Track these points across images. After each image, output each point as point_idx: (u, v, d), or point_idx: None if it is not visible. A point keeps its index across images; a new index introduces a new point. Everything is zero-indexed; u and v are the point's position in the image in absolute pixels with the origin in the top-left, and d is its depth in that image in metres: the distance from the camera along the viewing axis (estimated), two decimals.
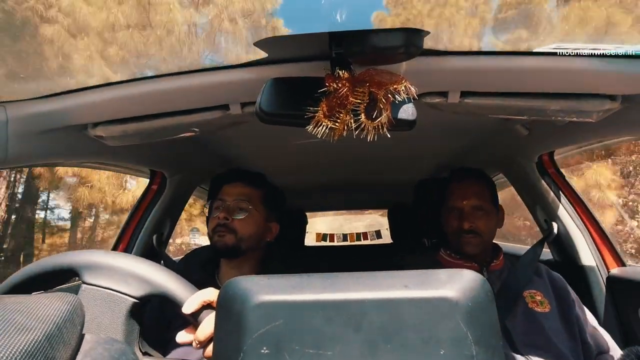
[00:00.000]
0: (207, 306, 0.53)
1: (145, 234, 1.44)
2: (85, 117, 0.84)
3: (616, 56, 0.66)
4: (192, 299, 0.52)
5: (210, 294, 0.53)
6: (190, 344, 0.53)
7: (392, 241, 2.54)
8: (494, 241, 1.18)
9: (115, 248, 1.42)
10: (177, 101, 0.81)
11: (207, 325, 0.51)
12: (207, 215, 1.15)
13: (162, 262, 1.50)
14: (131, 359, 0.42)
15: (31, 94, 0.76)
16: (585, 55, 0.66)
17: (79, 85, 0.75)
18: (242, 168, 1.19)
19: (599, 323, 1.08)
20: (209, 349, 0.51)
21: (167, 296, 0.54)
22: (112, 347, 0.42)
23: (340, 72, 0.61)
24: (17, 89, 0.74)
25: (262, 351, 0.34)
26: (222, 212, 1.04)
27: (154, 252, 1.43)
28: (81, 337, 0.42)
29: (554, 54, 0.66)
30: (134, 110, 0.83)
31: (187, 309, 0.52)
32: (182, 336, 0.54)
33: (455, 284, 0.36)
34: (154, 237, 1.44)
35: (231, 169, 1.17)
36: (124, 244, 1.42)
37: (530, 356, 0.94)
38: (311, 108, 0.62)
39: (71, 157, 1.00)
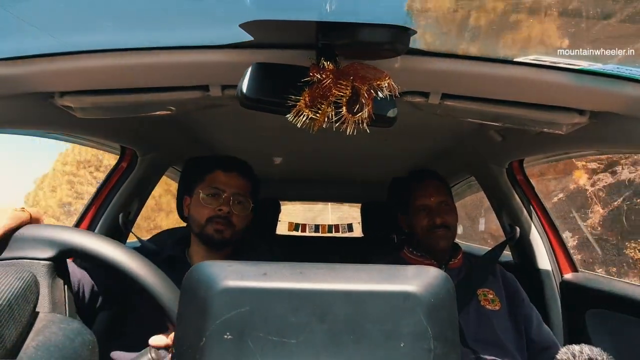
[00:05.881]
0: None
1: (111, 212, 1.39)
2: (52, 84, 0.80)
3: (588, 72, 0.69)
4: None
5: None
6: (164, 347, 0.51)
7: (362, 235, 2.58)
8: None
9: (77, 225, 1.36)
10: (155, 77, 0.77)
11: None
12: (185, 197, 1.12)
13: (126, 241, 1.46)
14: (87, 339, 0.41)
15: None
16: (560, 69, 0.69)
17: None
18: (220, 154, 1.17)
19: (550, 323, 1.15)
20: None
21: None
22: (68, 326, 0.40)
23: (325, 63, 0.60)
24: None
25: (225, 337, 0.34)
26: (224, 206, 1.03)
27: (119, 231, 1.39)
28: (34, 315, 0.40)
29: (532, 64, 0.69)
30: (107, 82, 0.79)
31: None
32: (157, 339, 0.52)
33: (419, 280, 0.37)
34: (120, 215, 1.39)
35: (228, 156, 1.14)
36: (86, 221, 1.37)
37: (478, 350, 1.00)
38: (293, 97, 0.61)
39: (35, 126, 0.94)
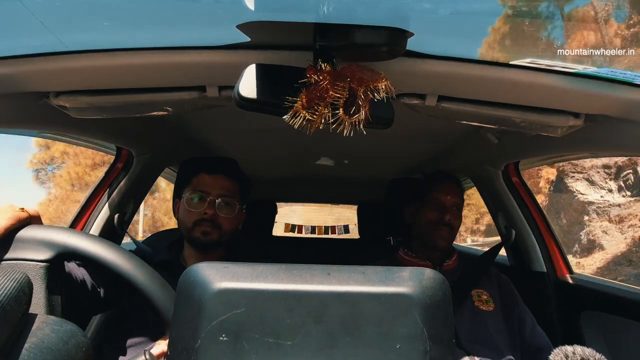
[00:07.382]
0: None
1: (106, 213, 1.38)
2: (47, 84, 0.79)
3: (583, 76, 0.69)
4: None
5: None
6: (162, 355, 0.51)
7: (359, 237, 2.58)
8: None
9: (72, 226, 1.35)
10: (151, 77, 0.77)
11: None
12: (176, 200, 1.11)
13: (121, 242, 1.45)
14: (81, 341, 0.40)
15: None
16: (555, 72, 0.69)
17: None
18: (217, 155, 1.16)
19: (545, 324, 1.16)
20: None
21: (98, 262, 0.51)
22: (61, 328, 0.40)
23: (323, 65, 0.60)
24: None
25: (221, 338, 0.33)
26: (209, 209, 1.01)
27: (115, 232, 1.38)
28: (27, 316, 0.39)
29: (528, 67, 0.69)
30: (103, 82, 0.78)
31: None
32: (158, 349, 0.52)
33: (415, 281, 0.37)
34: (116, 216, 1.38)
35: (212, 157, 1.12)
36: (82, 222, 1.36)
37: (471, 351, 1.00)
38: (290, 98, 0.61)
39: (29, 126, 0.94)
